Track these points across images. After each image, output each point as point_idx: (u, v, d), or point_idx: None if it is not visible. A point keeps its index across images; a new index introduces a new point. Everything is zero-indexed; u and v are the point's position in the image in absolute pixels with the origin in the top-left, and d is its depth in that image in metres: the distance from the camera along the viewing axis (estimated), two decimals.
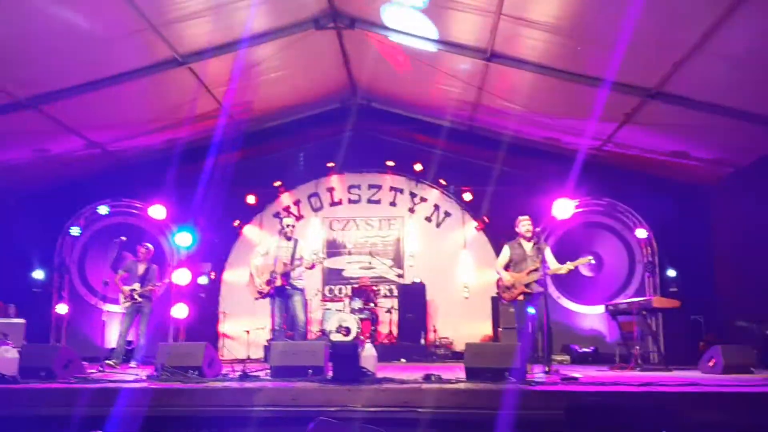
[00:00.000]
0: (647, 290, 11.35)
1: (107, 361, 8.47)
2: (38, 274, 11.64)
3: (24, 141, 9.87)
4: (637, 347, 8.63)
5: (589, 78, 8.47)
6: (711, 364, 7.37)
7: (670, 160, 10.25)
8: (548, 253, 7.67)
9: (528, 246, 7.73)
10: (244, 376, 5.87)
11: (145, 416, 4.93)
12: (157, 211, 11.62)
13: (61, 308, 11.66)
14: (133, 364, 8.94)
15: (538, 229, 7.81)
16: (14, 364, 5.91)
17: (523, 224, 7.81)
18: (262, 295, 8.24)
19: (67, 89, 8.71)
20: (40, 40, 7.51)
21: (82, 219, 12.03)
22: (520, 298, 7.61)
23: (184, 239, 11.79)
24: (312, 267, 8.44)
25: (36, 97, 8.71)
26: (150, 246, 9.73)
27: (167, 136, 11.11)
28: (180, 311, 11.77)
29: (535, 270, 7.44)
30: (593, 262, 8.24)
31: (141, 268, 9.44)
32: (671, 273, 11.17)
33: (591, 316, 11.59)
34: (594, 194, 11.62)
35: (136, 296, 9.18)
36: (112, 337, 9.86)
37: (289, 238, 8.40)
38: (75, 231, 11.97)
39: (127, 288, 9.23)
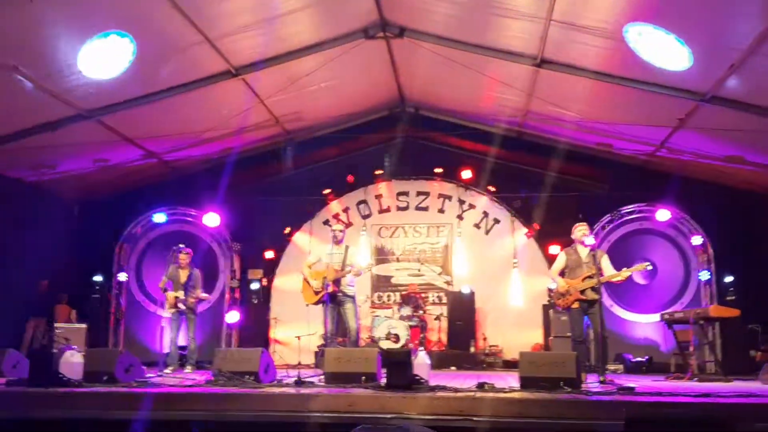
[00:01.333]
0: (703, 298, 11.08)
1: (166, 370, 8.64)
2: (97, 279, 12.01)
3: (86, 152, 10.25)
4: (694, 357, 8.43)
5: (643, 83, 8.35)
6: None
7: (725, 165, 10.02)
8: (605, 261, 7.56)
9: (584, 252, 7.62)
10: (300, 382, 5.95)
11: (203, 420, 5.06)
12: (211, 219, 11.87)
13: (120, 313, 12.00)
14: (188, 369, 9.09)
15: (592, 242, 7.66)
16: (79, 368, 6.12)
17: (580, 230, 7.70)
18: (318, 296, 8.27)
19: (126, 101, 9.02)
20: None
21: (139, 227, 12.37)
22: (575, 305, 7.50)
23: (236, 246, 12.02)
24: (360, 274, 8.50)
25: (97, 109, 9.04)
26: (189, 251, 9.64)
27: (221, 146, 11.39)
28: (233, 317, 12.01)
29: (590, 276, 7.33)
30: (650, 268, 8.05)
31: (183, 275, 9.45)
32: (729, 280, 10.89)
33: (644, 324, 11.36)
34: (647, 200, 11.41)
35: (180, 305, 9.29)
36: (168, 343, 10.07)
37: (339, 245, 8.47)
38: (133, 238, 12.28)
39: (171, 295, 9.30)
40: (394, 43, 9.86)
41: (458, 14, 8.59)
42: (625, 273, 7.34)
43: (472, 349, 11.61)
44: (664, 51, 7.50)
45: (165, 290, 9.33)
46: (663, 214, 11.32)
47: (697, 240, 11.27)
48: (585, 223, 7.73)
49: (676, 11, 6.91)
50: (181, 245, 9.57)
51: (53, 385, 5.76)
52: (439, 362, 10.65)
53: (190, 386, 5.95)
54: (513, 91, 10.01)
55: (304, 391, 5.43)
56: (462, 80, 10.39)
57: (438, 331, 11.93)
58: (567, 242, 7.93)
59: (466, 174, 12.56)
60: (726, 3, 6.48)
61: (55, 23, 7.02)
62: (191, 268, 9.51)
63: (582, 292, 7.40)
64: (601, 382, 6.54)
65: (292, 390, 5.47)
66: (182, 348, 9.56)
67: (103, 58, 7.86)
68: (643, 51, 7.68)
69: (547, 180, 11.88)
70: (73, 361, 6.16)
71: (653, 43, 7.48)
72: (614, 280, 7.49)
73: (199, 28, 7.87)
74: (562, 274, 7.75)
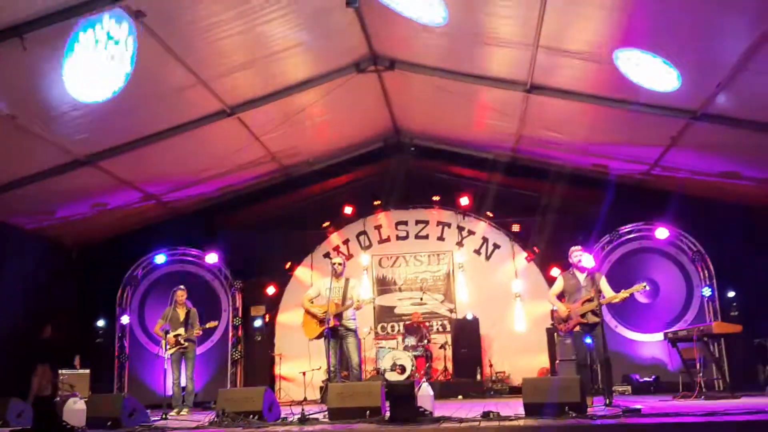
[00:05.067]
0: (707, 315, 11.03)
1: (171, 413, 8.57)
2: (100, 324, 11.99)
3: (84, 197, 10.29)
4: (701, 375, 8.38)
5: (632, 103, 8.43)
6: None
7: (721, 181, 10.06)
8: (603, 283, 7.57)
9: (581, 276, 7.65)
10: (303, 419, 5.92)
11: None
12: (211, 258, 11.92)
13: (123, 357, 11.97)
14: (184, 411, 8.98)
15: (592, 264, 7.70)
16: (82, 415, 6.11)
17: (575, 255, 7.75)
18: (320, 330, 8.25)
19: (123, 145, 9.10)
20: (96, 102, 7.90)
21: (140, 269, 12.39)
22: (577, 329, 7.51)
23: (237, 283, 12.03)
24: (360, 308, 8.49)
25: (93, 155, 9.11)
26: (184, 289, 9.68)
27: (219, 184, 11.47)
28: (235, 354, 11.97)
29: (590, 300, 7.34)
30: (648, 288, 8.04)
31: (181, 313, 9.50)
32: (731, 296, 10.86)
33: (650, 344, 11.29)
34: (645, 219, 11.44)
35: (182, 341, 9.27)
36: (170, 385, 10.02)
37: (339, 278, 8.47)
38: (134, 281, 12.32)
39: (171, 335, 9.32)
40: (385, 76, 9.98)
41: (447, 44, 8.71)
42: (623, 294, 7.35)
43: (479, 377, 11.52)
44: (652, 73, 7.59)
45: (166, 332, 9.34)
46: (662, 233, 11.33)
47: (697, 257, 11.28)
48: (580, 247, 7.78)
49: (662, 35, 7.00)
50: (181, 286, 9.62)
51: None
52: (446, 391, 10.59)
53: (194, 428, 5.93)
54: (505, 117, 10.10)
55: (307, 429, 5.41)
56: (455, 109, 10.50)
57: (444, 360, 11.86)
58: (567, 264, 7.95)
59: (464, 201, 12.64)
60: (710, 24, 6.56)
61: (50, 70, 7.11)
62: (188, 307, 9.56)
63: (583, 315, 7.41)
64: (608, 405, 6.50)
65: (296, 429, 5.45)
66: (183, 389, 9.51)
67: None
68: (632, 74, 7.76)
69: (545, 203, 11.95)
70: (76, 408, 6.17)
71: (641, 66, 7.57)
72: (614, 301, 7.50)
73: (193, 71, 7.98)
74: (561, 297, 7.77)
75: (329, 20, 8.23)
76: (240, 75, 8.55)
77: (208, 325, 9.47)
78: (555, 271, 10.84)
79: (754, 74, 7.00)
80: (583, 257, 7.67)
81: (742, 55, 6.73)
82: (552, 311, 11.34)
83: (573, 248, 7.81)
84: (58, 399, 6.56)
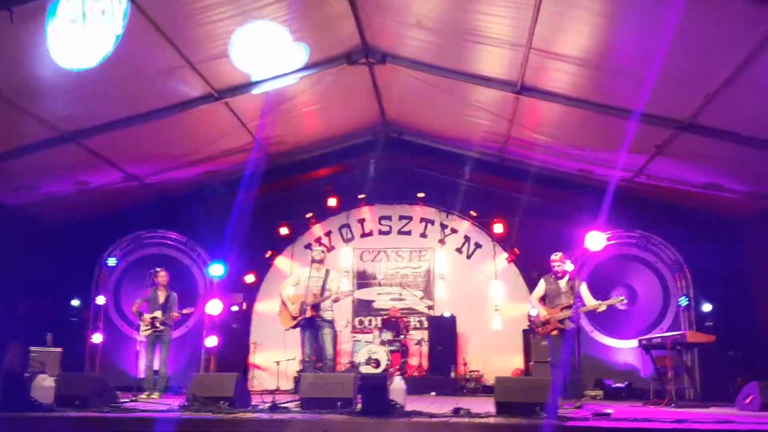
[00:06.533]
0: (683, 324, 11.14)
1: (141, 396, 8.51)
2: (75, 303, 11.87)
3: (66, 174, 10.18)
4: (672, 383, 8.45)
5: (620, 110, 8.47)
6: (748, 401, 7.18)
7: (703, 192, 10.14)
8: (584, 290, 7.64)
9: (562, 282, 7.71)
10: (274, 408, 5.89)
11: None
12: (190, 242, 11.86)
13: (96, 337, 11.87)
14: (155, 395, 8.92)
15: (571, 268, 7.78)
16: (50, 393, 6.03)
17: (555, 262, 7.81)
18: (295, 321, 8.23)
19: (107, 124, 9.00)
20: (82, 78, 7.79)
21: (118, 250, 12.28)
22: (554, 333, 7.58)
23: (217, 270, 11.97)
24: (338, 300, 8.47)
25: (78, 132, 9.01)
26: (166, 272, 9.63)
27: (203, 169, 11.38)
28: (211, 341, 11.90)
29: (569, 307, 7.41)
30: (625, 301, 8.15)
31: (161, 296, 9.43)
32: (707, 307, 10.96)
33: (625, 350, 11.38)
34: (626, 226, 11.52)
35: (157, 324, 9.19)
36: (143, 367, 9.95)
37: (319, 269, 8.43)
38: (111, 261, 12.22)
39: (148, 316, 9.25)
40: (376, 69, 9.94)
41: (440, 41, 8.70)
42: (601, 307, 7.46)
43: (453, 374, 11.56)
44: (638, 80, 7.61)
45: (140, 314, 9.27)
46: (642, 240, 11.41)
47: (675, 266, 11.37)
48: (561, 254, 7.83)
49: (652, 45, 7.02)
50: (158, 268, 9.55)
51: (25, 409, 5.67)
52: (420, 387, 10.59)
53: (163, 411, 5.88)
54: (494, 117, 10.11)
55: (278, 416, 5.38)
56: (444, 106, 10.49)
57: (419, 356, 11.88)
58: (547, 267, 7.99)
59: (448, 199, 12.63)
60: (701, 36, 6.60)
61: (37, 43, 7.00)
62: (169, 290, 9.49)
63: (561, 321, 7.46)
64: (577, 408, 6.55)
65: (266, 416, 5.42)
66: (155, 373, 9.42)
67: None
68: (619, 80, 7.80)
69: (528, 205, 11.99)
70: (45, 385, 6.08)
71: (628, 73, 7.60)
72: (592, 310, 7.58)
73: (182, 53, 7.90)
74: (541, 301, 7.82)
75: (323, 10, 8.18)
76: (229, 60, 8.47)
77: (184, 311, 9.40)
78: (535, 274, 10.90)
79: (741, 88, 7.06)
80: (564, 265, 7.74)
81: (732, 69, 6.79)
82: (528, 315, 11.46)
83: (553, 255, 7.87)
84: (27, 375, 6.46)
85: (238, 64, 8.16)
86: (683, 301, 11.17)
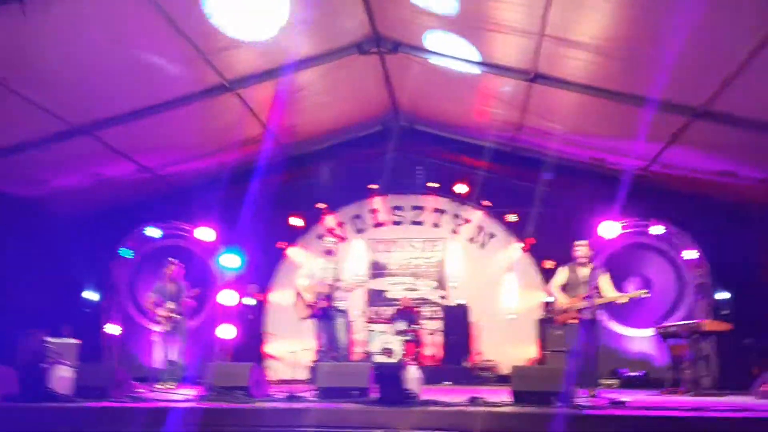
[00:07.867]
0: (698, 312, 11.06)
1: (157, 386, 8.56)
2: (91, 295, 11.95)
3: (78, 166, 10.20)
4: (688, 371, 8.40)
5: (635, 97, 8.38)
6: (764, 389, 7.14)
7: (718, 179, 10.03)
8: (606, 281, 7.56)
9: (583, 272, 7.63)
10: (291, 397, 5.92)
11: None
12: (206, 234, 11.89)
13: (112, 329, 11.94)
14: (170, 384, 8.98)
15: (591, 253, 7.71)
16: (69, 384, 6.09)
17: (579, 249, 7.71)
18: (312, 310, 8.24)
19: (119, 116, 9.00)
20: (95, 70, 7.82)
21: (133, 242, 12.33)
22: (573, 321, 7.53)
23: (231, 261, 12.01)
24: (351, 290, 8.48)
25: (90, 124, 9.03)
26: (178, 263, 9.67)
27: (215, 160, 11.37)
28: (227, 332, 11.94)
29: (589, 297, 7.36)
30: (649, 295, 8.00)
31: (173, 288, 9.47)
32: (723, 295, 10.87)
33: (640, 339, 11.34)
34: (640, 215, 11.42)
35: (173, 315, 9.24)
36: (160, 358, 9.99)
37: (332, 259, 8.46)
38: (126, 253, 12.28)
39: (163, 311, 9.30)
40: (388, 59, 9.89)
41: (452, 29, 8.63)
42: (623, 298, 7.37)
43: (467, 364, 11.55)
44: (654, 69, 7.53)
45: (156, 305, 9.31)
46: (657, 229, 11.33)
47: (691, 254, 11.28)
48: (586, 242, 7.73)
49: (667, 32, 6.94)
50: (171, 259, 9.59)
51: (43, 400, 5.73)
52: (434, 377, 10.59)
53: (180, 401, 5.92)
54: (507, 106, 10.04)
55: (295, 406, 5.40)
56: (456, 95, 10.44)
57: (433, 346, 11.87)
58: (561, 256, 7.93)
59: (461, 188, 12.59)
60: (715, 23, 6.51)
61: (48, 36, 7.01)
62: (180, 281, 9.52)
63: (580, 311, 7.42)
64: (592, 396, 6.53)
65: (283, 405, 5.45)
66: (171, 363, 9.46)
67: None
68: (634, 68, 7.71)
69: (542, 194, 11.90)
70: (63, 375, 6.14)
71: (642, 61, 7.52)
72: (613, 302, 7.50)
73: (193, 43, 7.89)
74: (562, 289, 7.76)
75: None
76: (240, 50, 8.46)
77: (192, 293, 9.47)
78: (549, 263, 10.86)
79: (757, 73, 6.96)
80: (587, 253, 7.66)
81: (746, 54, 6.69)
82: (545, 303, 11.44)
83: (577, 242, 7.77)
84: (46, 366, 6.52)
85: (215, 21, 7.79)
86: (699, 290, 11.04)
